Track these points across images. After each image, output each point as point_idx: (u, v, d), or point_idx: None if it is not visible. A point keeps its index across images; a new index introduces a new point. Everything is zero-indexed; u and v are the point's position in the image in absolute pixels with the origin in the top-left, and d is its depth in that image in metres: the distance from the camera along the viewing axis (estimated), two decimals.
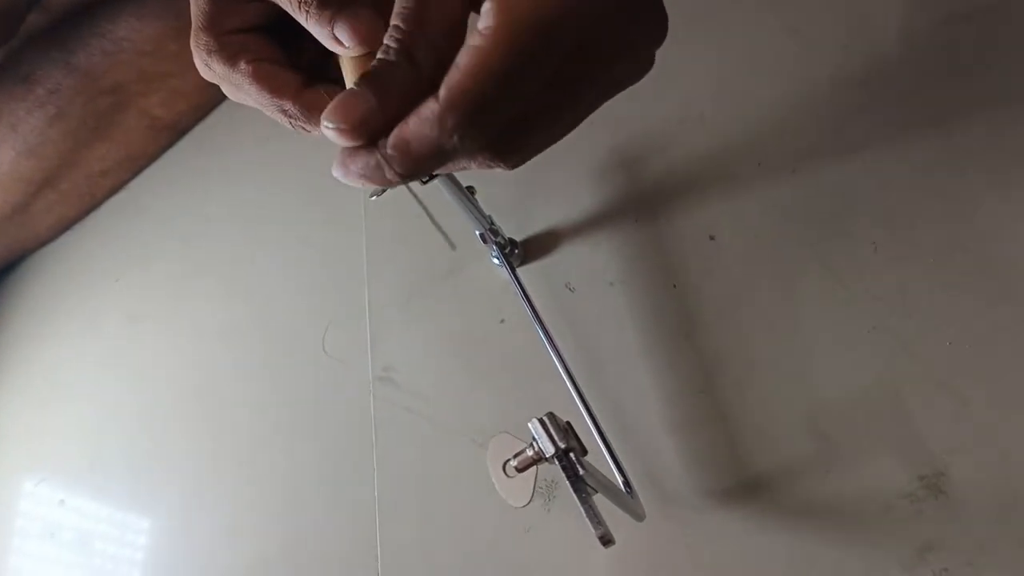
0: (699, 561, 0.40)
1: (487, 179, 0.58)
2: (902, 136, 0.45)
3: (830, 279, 0.44)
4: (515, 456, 0.34)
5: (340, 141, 0.27)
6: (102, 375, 0.73)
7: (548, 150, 0.30)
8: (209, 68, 0.35)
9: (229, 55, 0.35)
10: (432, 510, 0.49)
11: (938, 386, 0.39)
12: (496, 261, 0.51)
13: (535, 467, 0.34)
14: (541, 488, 0.46)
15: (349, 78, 0.32)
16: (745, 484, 0.41)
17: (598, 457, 0.42)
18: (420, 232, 0.53)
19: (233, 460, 0.61)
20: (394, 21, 0.27)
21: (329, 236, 0.66)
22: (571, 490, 0.32)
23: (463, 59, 0.25)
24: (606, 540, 0.32)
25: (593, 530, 0.32)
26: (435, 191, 0.43)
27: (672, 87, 0.55)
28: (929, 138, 0.44)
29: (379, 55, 0.27)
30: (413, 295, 0.58)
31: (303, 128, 0.35)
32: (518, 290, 0.49)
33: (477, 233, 0.50)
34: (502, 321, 0.53)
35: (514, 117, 0.27)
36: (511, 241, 0.53)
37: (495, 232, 0.50)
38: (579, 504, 0.32)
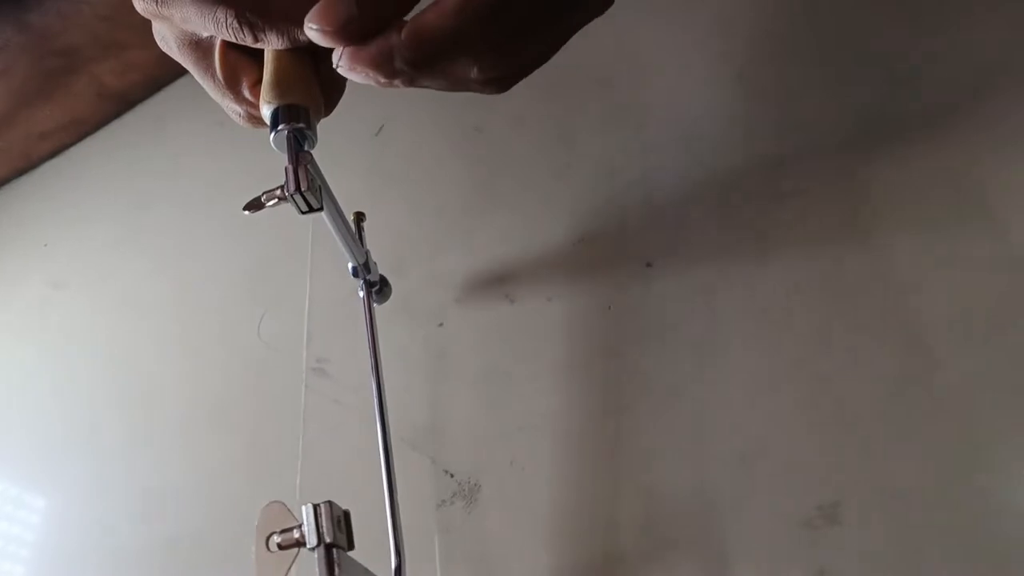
0: None
1: (446, 183, 0.59)
2: (825, 176, 0.48)
3: (756, 314, 0.46)
4: (280, 532, 0.34)
5: (324, 42, 0.29)
6: (17, 342, 0.70)
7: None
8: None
9: None
10: (354, 504, 0.49)
11: (848, 424, 0.41)
12: (361, 293, 0.52)
13: (296, 550, 0.33)
14: (464, 489, 0.47)
15: (269, 65, 0.33)
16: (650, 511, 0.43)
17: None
18: (369, 230, 0.53)
19: (148, 441, 0.59)
20: None
21: (276, 224, 0.65)
22: None
23: None
24: None
25: None
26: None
27: (620, 113, 0.56)
28: (843, 185, 0.47)
29: None
30: (355, 291, 0.58)
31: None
32: (368, 331, 0.50)
33: (350, 266, 0.50)
34: (440, 325, 0.54)
35: (520, 19, 0.29)
36: (382, 279, 0.54)
37: (367, 268, 0.51)
38: None
